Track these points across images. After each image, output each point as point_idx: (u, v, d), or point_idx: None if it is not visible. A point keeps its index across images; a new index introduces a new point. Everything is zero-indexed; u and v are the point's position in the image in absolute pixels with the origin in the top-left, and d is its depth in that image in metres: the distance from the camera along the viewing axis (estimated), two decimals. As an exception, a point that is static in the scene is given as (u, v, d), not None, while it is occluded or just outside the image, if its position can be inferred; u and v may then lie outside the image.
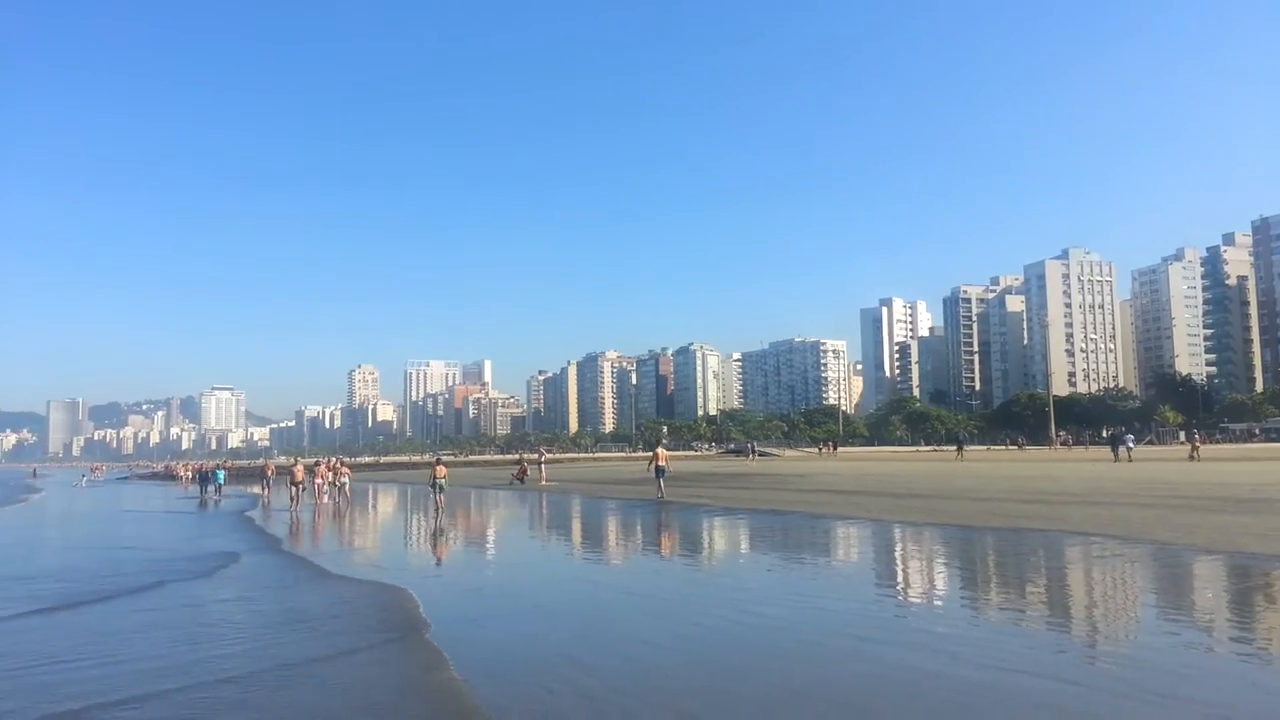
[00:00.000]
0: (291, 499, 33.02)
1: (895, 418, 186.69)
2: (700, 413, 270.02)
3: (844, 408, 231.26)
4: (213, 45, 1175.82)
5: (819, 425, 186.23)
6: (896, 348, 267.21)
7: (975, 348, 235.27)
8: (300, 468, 35.50)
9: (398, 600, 12.64)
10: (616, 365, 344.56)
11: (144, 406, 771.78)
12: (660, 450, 35.88)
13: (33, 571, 17.55)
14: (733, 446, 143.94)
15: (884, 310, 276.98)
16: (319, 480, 37.01)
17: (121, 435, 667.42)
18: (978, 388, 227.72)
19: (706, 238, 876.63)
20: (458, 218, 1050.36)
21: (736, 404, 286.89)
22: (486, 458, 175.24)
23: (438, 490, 30.11)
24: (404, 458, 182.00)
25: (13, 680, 8.63)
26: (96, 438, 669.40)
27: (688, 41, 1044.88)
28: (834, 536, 20.45)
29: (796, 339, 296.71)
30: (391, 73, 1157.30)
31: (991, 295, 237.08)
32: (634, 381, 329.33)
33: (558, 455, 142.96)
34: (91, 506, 46.53)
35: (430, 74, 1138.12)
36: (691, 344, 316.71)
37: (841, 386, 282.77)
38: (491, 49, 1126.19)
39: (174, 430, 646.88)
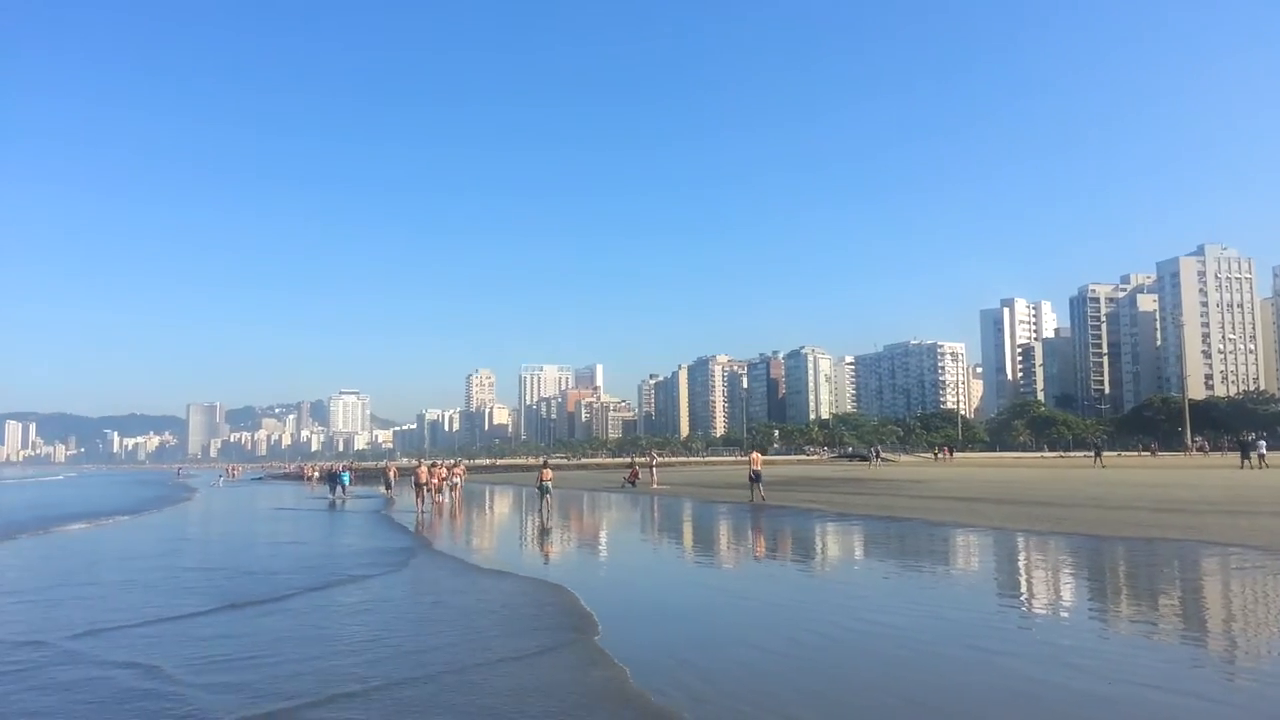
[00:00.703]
0: (418, 499, 33.85)
1: (1018, 422, 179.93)
2: (811, 416, 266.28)
3: (963, 412, 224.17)
4: (353, 59, 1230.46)
5: (936, 430, 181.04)
6: (1019, 350, 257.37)
7: (1104, 349, 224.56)
8: (424, 470, 36.32)
9: (562, 599, 13.00)
10: (727, 369, 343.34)
11: (276, 410, 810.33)
12: (755, 455, 36.79)
13: (250, 565, 18.77)
14: (849, 451, 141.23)
15: (1005, 311, 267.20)
16: (435, 481, 37.93)
17: (256, 437, 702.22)
18: (1106, 391, 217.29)
19: (817, 240, 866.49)
20: (571, 225, 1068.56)
21: (849, 408, 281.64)
22: (598, 461, 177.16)
23: (545, 492, 30.79)
24: (518, 460, 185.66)
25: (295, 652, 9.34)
26: (232, 440, 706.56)
27: (807, 43, 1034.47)
28: (953, 544, 19.98)
29: (912, 341, 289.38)
30: (512, 81, 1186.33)
31: (1121, 294, 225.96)
32: (744, 385, 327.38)
33: (668, 459, 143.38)
34: (246, 505, 49.02)
35: (545, 82, 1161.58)
36: (803, 347, 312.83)
37: (960, 390, 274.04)
38: (610, 59, 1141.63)
39: (304, 433, 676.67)
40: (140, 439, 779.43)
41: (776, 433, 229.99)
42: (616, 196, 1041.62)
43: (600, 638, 10.17)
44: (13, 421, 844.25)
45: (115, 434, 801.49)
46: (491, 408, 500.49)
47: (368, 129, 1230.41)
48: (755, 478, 34.07)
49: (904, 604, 12.36)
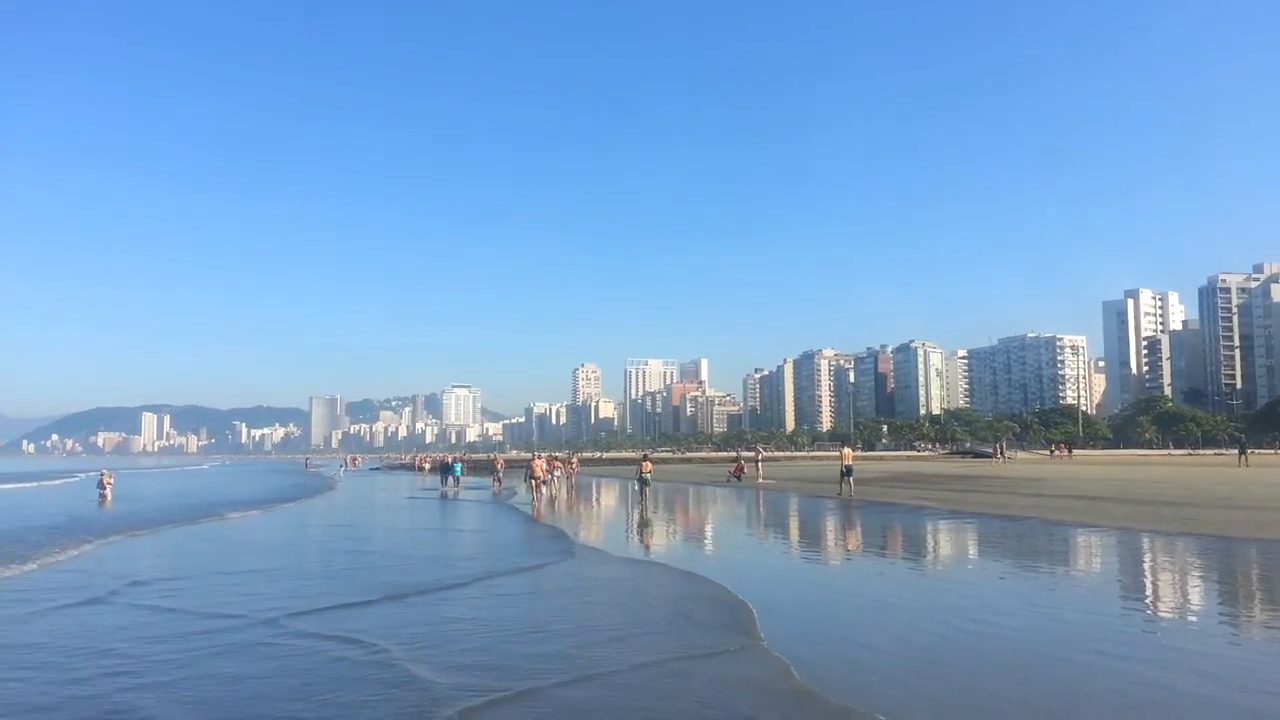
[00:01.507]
0: (534, 491, 34.22)
1: (1143, 419, 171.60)
2: (922, 412, 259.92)
3: (1083, 407, 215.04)
4: (499, 64, 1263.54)
5: (1055, 426, 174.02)
6: (1144, 343, 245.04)
7: (1235, 342, 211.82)
8: (541, 462, 36.55)
9: (716, 593, 13.11)
10: (834, 363, 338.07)
11: (393, 403, 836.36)
12: (846, 450, 38.33)
13: (427, 551, 19.93)
14: (967, 447, 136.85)
15: (1129, 302, 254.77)
16: (539, 473, 38.04)
17: (373, 429, 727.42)
18: (1238, 386, 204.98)
19: (924, 233, 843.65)
20: (674, 221, 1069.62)
21: (961, 403, 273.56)
22: (703, 455, 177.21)
23: (645, 484, 31.54)
24: (624, 453, 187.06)
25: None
26: (352, 431, 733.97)
27: (936, 38, 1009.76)
28: (1074, 544, 19.28)
29: (1029, 334, 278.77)
30: (611, 81, 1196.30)
31: (1255, 284, 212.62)
32: (852, 380, 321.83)
33: (774, 453, 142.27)
34: (384, 494, 50.88)
35: (642, 84, 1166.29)
36: (912, 341, 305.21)
37: (1080, 385, 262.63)
38: (707, 58, 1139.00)
39: (419, 425, 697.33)
40: (266, 430, 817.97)
41: (885, 428, 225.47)
42: (722, 194, 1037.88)
43: (763, 637, 10.21)
44: (149, 413, 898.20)
45: (243, 425, 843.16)
46: (597, 402, 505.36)
47: (483, 130, 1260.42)
48: (846, 472, 35.00)
49: (1020, 605, 12.01)
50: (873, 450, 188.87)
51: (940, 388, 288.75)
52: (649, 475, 32.74)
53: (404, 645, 9.58)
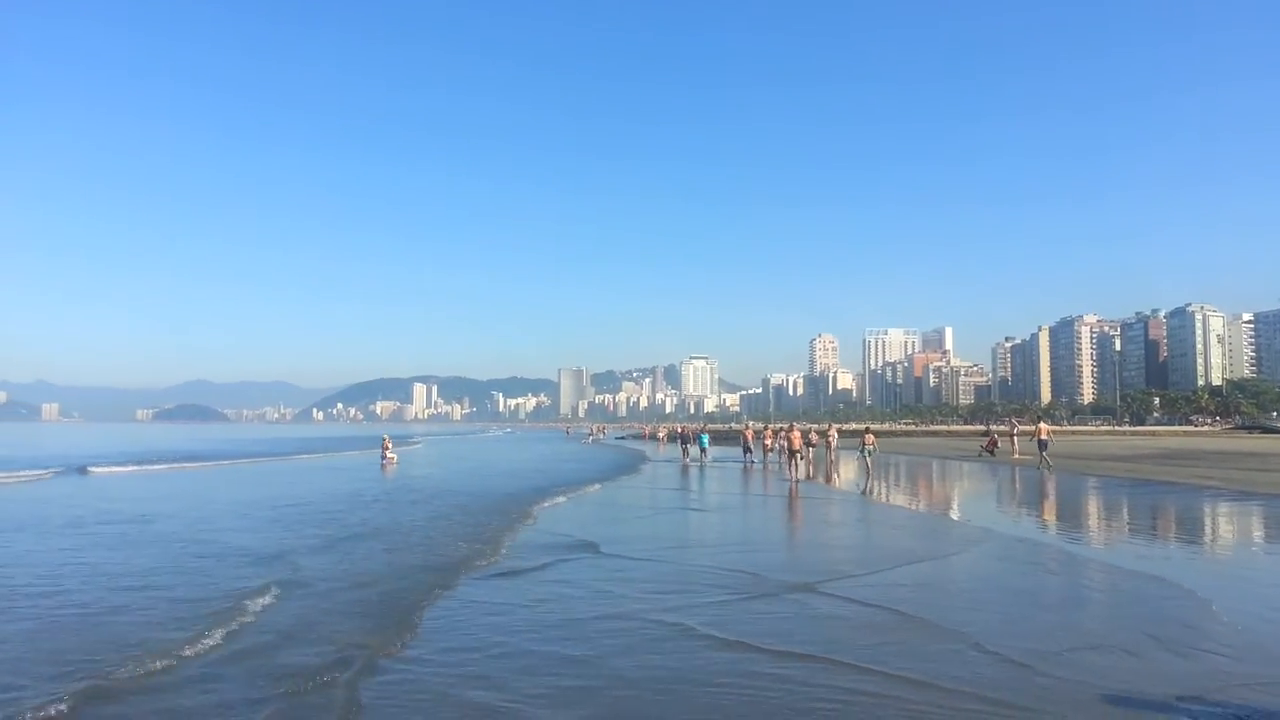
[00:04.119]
0: (790, 464, 32.42)
1: None
2: (1200, 383, 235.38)
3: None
4: (691, 45, 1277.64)
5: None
6: None
7: None
8: (798, 434, 33.93)
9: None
10: (1096, 330, 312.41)
11: (634, 374, 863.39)
12: (1043, 425, 39.83)
13: (866, 531, 18.68)
14: (1255, 421, 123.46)
15: None
16: (797, 445, 33.99)
17: (616, 399, 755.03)
18: None
19: (1204, 178, 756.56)
20: (909, 190, 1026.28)
21: (1246, 373, 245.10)
22: (949, 428, 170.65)
23: (867, 455, 32.61)
24: (861, 425, 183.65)
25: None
26: (597, 401, 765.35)
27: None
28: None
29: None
30: (858, 58, 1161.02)
31: None
32: (1117, 348, 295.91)
33: (1028, 427, 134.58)
34: (693, 470, 41.95)
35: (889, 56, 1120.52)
36: (1188, 305, 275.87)
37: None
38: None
39: (659, 395, 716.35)
40: (520, 400, 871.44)
41: (1156, 400, 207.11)
42: (969, 160, 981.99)
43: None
44: (419, 384, 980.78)
45: (500, 395, 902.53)
46: (835, 372, 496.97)
47: (718, 112, 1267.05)
48: (1042, 446, 37.05)
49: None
50: (1142, 425, 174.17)
51: (1221, 356, 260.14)
52: (873, 448, 33.42)
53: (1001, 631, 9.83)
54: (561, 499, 25.07)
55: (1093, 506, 23.88)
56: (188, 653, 8.38)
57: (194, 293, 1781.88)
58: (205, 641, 8.73)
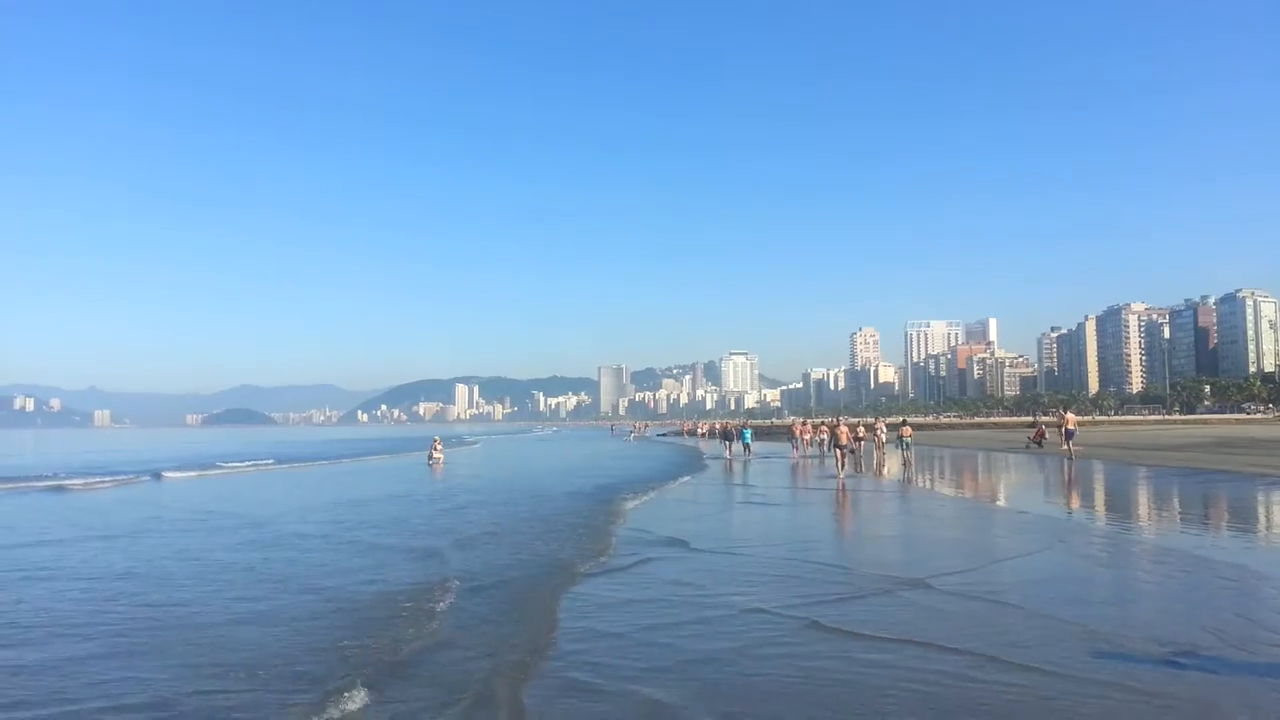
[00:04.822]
0: (839, 460, 31.43)
1: None
2: (1252, 370, 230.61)
3: None
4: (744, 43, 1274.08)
5: None
6: None
7: None
8: (846, 429, 33.10)
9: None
10: (1144, 318, 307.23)
11: (674, 371, 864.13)
12: (1069, 415, 41.04)
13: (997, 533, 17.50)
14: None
15: None
16: (845, 440, 32.99)
17: (656, 397, 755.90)
18: None
19: (1253, 167, 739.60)
20: (950, 184, 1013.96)
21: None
22: (994, 420, 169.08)
23: (906, 447, 33.69)
24: (897, 419, 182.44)
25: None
26: (637, 399, 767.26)
27: None
28: None
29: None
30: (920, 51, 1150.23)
31: None
32: (1166, 335, 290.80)
33: (1077, 418, 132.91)
34: (754, 465, 41.91)
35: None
36: (1239, 290, 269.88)
37: None
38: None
39: (699, 392, 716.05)
40: (561, 399, 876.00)
41: (1207, 388, 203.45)
42: (1009, 151, 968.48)
43: None
44: (461, 384, 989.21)
45: (540, 394, 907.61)
46: (876, 365, 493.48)
47: (758, 108, 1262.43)
48: (1068, 435, 37.49)
49: None
50: (1192, 413, 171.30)
51: (1274, 342, 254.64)
52: (910, 439, 34.69)
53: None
54: (644, 497, 25.55)
55: (1167, 498, 23.53)
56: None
57: (239, 299, 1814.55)
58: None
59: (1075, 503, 22.76)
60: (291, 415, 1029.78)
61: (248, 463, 51.58)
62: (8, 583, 13.10)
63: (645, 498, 25.64)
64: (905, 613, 10.09)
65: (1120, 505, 22.32)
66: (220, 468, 46.65)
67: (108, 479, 38.05)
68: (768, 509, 22.95)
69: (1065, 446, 37.04)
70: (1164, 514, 20.11)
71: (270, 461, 53.65)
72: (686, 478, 34.42)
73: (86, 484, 35.28)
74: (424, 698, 7.39)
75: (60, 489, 32.93)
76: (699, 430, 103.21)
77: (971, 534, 17.63)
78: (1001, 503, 23.42)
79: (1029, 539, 15.94)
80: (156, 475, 40.32)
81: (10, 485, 34.36)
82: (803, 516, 21.60)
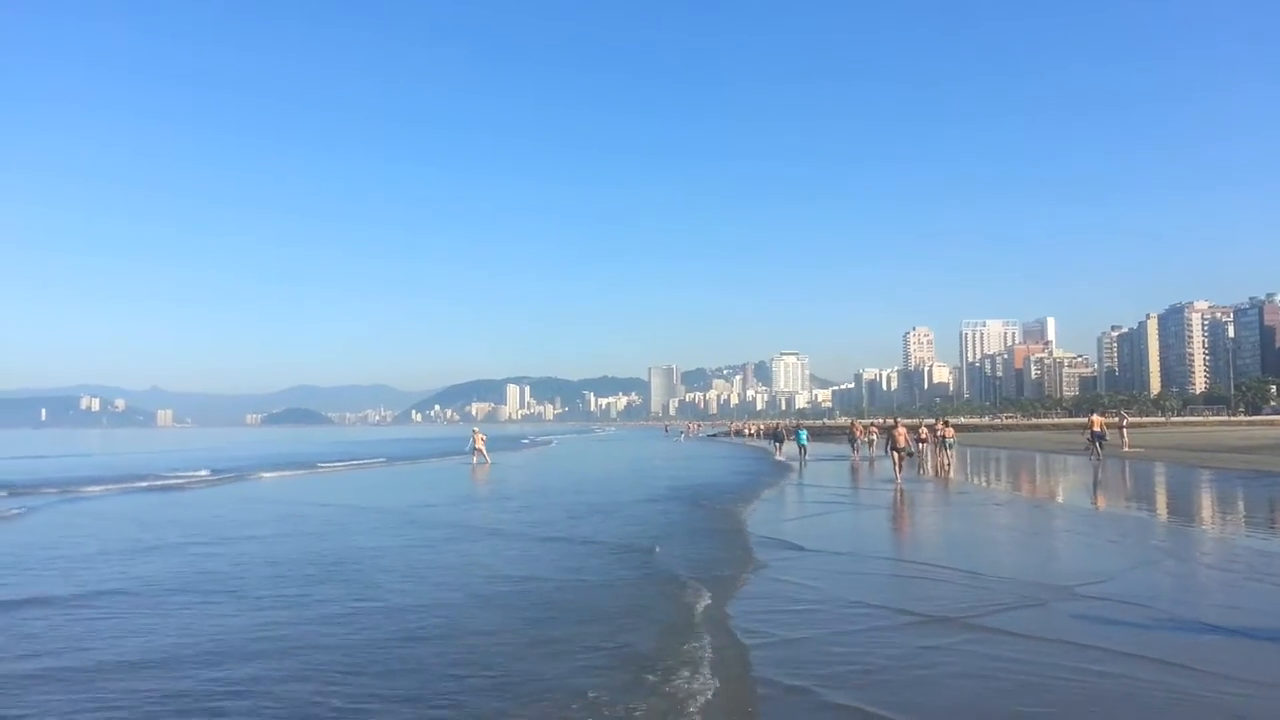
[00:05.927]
0: (896, 464, 30.97)
1: None
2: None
3: None
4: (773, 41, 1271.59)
5: None
6: None
7: None
8: (903, 431, 32.33)
9: None
10: (1207, 316, 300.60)
11: (724, 371, 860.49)
12: (1095, 418, 41.81)
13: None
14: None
15: None
16: (902, 443, 32.24)
17: (706, 397, 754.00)
18: None
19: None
20: (996, 182, 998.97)
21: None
22: (1053, 421, 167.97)
23: (947, 448, 35.34)
24: (960, 419, 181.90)
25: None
26: (687, 399, 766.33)
27: None
28: None
29: None
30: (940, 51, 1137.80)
31: None
32: (1230, 334, 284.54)
33: (1139, 419, 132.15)
34: (832, 467, 41.48)
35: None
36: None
37: None
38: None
39: (749, 392, 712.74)
40: (611, 399, 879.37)
41: (1273, 388, 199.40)
42: (1066, 152, 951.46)
43: None
44: (513, 385, 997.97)
45: (591, 394, 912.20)
46: (930, 366, 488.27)
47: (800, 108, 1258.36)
48: (1095, 438, 38.01)
49: None
50: (1258, 414, 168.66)
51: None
52: (953, 440, 36.33)
53: None
54: (752, 500, 25.54)
55: (1260, 503, 23.16)
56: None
57: (296, 301, 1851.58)
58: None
59: (1160, 507, 22.85)
60: (348, 415, 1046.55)
61: (347, 461, 53.60)
62: (329, 577, 13.39)
63: (742, 497, 26.10)
64: (1093, 625, 9.57)
65: (1194, 510, 22.06)
66: (319, 467, 48.33)
67: (190, 474, 39.89)
68: (856, 511, 23.18)
69: (1128, 448, 37.12)
70: (1256, 519, 19.57)
71: (382, 460, 56.51)
72: (767, 476, 34.75)
73: (193, 481, 36.83)
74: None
75: (178, 488, 33.71)
76: (746, 430, 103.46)
77: (1074, 540, 17.11)
78: (1088, 505, 23.22)
79: (1137, 546, 15.74)
80: (312, 465, 46.71)
81: (118, 486, 34.17)
82: (895, 518, 21.35)
